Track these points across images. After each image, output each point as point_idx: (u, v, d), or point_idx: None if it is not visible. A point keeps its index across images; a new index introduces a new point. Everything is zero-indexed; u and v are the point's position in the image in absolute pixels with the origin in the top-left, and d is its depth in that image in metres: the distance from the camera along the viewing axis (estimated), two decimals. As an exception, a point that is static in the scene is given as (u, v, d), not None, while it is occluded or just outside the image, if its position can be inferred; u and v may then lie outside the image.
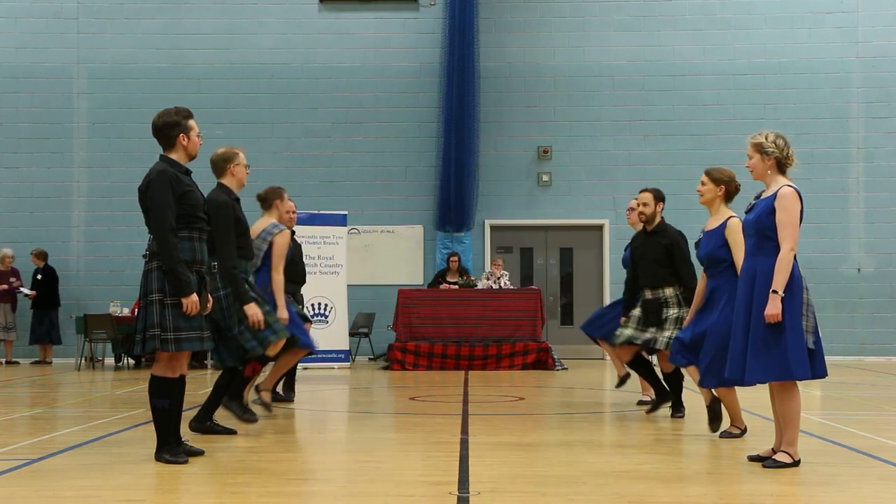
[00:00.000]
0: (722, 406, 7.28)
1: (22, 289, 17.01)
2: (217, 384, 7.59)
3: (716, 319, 6.69)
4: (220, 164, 7.43)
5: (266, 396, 8.72)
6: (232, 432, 7.46)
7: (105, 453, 6.60)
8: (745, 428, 7.30)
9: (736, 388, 7.17)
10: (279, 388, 9.85)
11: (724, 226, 6.95)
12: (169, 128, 6.17)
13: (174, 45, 18.03)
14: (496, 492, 5.23)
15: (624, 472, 5.88)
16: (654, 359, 9.43)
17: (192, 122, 6.24)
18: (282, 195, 8.58)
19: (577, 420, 8.66)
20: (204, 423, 7.47)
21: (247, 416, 7.93)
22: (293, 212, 9.23)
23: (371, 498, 5.14)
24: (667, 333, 8.23)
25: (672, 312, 8.23)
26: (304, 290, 9.97)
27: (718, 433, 7.34)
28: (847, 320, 17.44)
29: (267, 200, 8.53)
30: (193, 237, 6.13)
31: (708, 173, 7.17)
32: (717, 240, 6.95)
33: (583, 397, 11.08)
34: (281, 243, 8.26)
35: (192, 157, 6.30)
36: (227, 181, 7.45)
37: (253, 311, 7.16)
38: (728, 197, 7.09)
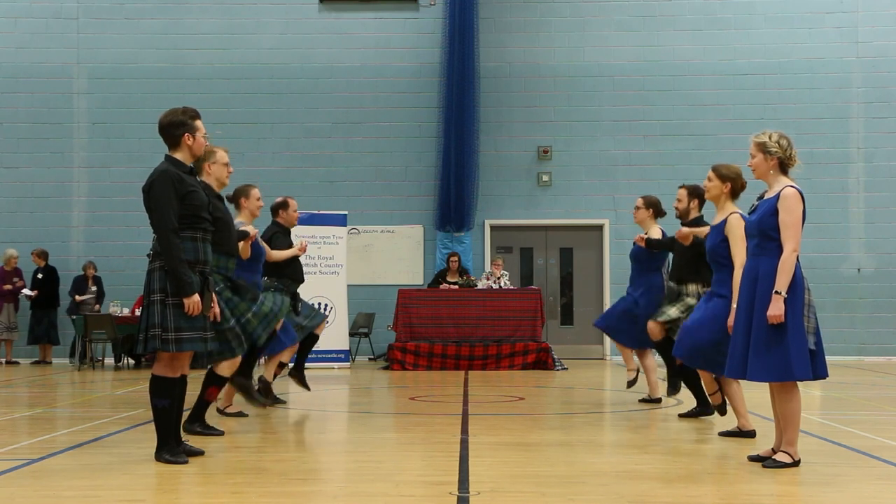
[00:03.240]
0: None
1: (25, 290, 17.00)
2: (205, 384, 7.68)
3: (703, 312, 6.89)
4: (197, 163, 7.43)
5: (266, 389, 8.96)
6: (219, 433, 7.49)
7: (105, 453, 6.60)
8: (753, 431, 7.23)
9: (739, 389, 7.23)
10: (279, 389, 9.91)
11: (725, 222, 6.98)
12: (174, 127, 6.18)
13: (174, 45, 18.02)
14: (496, 492, 5.23)
15: (624, 472, 5.88)
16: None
17: (198, 123, 6.25)
18: (248, 193, 8.57)
19: (577, 420, 8.66)
20: (194, 425, 7.48)
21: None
22: (295, 211, 9.67)
23: (371, 498, 5.14)
24: (672, 311, 8.46)
25: (690, 300, 8.25)
26: (304, 290, 9.98)
27: (718, 432, 7.38)
28: (847, 320, 17.44)
29: (234, 199, 8.57)
30: (197, 237, 6.12)
31: (715, 169, 7.18)
32: (718, 235, 6.98)
33: (583, 397, 11.08)
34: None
35: (196, 158, 6.33)
36: (206, 179, 7.47)
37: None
38: (734, 194, 7.09)
